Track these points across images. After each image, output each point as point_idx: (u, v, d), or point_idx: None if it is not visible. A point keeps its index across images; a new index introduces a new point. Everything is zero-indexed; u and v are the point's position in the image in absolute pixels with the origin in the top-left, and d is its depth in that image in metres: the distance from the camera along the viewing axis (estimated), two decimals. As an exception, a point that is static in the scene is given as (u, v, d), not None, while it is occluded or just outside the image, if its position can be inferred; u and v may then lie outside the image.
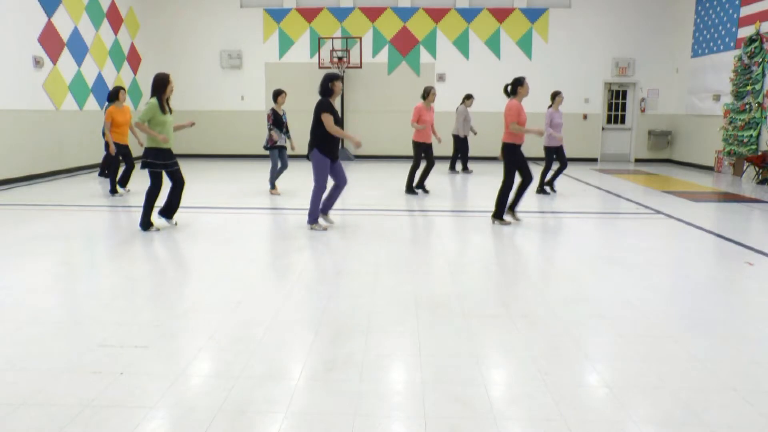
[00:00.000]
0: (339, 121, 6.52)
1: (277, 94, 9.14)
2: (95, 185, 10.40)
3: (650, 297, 4.45)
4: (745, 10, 12.17)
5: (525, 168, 7.06)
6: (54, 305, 4.20)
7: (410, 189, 9.50)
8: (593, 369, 3.18)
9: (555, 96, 9.40)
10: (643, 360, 3.29)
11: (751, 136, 11.65)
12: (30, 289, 4.51)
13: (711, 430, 2.57)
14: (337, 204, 8.78)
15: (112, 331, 3.63)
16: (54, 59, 11.56)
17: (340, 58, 14.86)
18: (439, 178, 11.67)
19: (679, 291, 4.68)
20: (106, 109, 10.27)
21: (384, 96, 15.74)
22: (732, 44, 12.62)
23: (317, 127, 6.44)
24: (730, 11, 12.71)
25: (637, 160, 15.78)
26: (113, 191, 9.11)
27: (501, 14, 15.36)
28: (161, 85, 6.26)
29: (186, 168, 13.16)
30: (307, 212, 6.88)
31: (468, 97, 12.46)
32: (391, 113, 15.60)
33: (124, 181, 9.36)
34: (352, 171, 13.12)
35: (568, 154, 15.65)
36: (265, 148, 9.20)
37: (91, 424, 2.57)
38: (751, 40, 11.75)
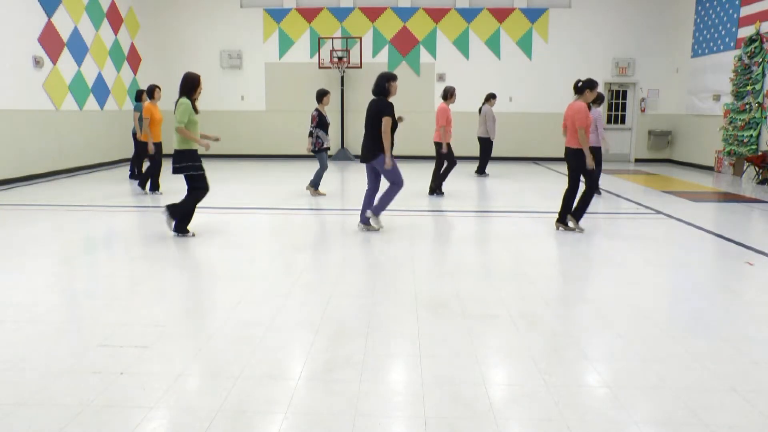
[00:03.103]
0: (395, 126, 6.28)
1: (323, 95, 8.75)
2: (96, 185, 10.41)
3: (650, 297, 4.45)
4: (745, 10, 12.17)
5: (592, 176, 6.55)
6: (54, 305, 4.20)
7: (438, 189, 9.30)
8: (593, 369, 3.18)
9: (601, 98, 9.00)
10: (643, 360, 3.29)
11: (751, 136, 11.65)
12: (30, 289, 4.51)
13: (711, 430, 2.57)
14: (337, 204, 8.78)
15: (112, 331, 3.63)
16: (54, 59, 11.56)
17: (340, 58, 14.86)
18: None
19: (679, 291, 4.67)
20: (137, 109, 10.44)
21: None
22: (732, 44, 12.62)
23: (377, 128, 6.19)
24: (730, 11, 12.71)
25: (637, 160, 15.78)
26: (154, 189, 9.16)
27: (501, 14, 15.36)
28: (192, 85, 6.05)
29: (186, 168, 13.12)
30: (359, 211, 6.83)
31: (492, 96, 11.97)
32: (391, 113, 15.58)
33: (155, 183, 9.29)
34: (353, 171, 13.12)
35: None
36: (313, 152, 8.83)
37: (91, 424, 2.57)
38: (751, 40, 11.75)
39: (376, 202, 6.66)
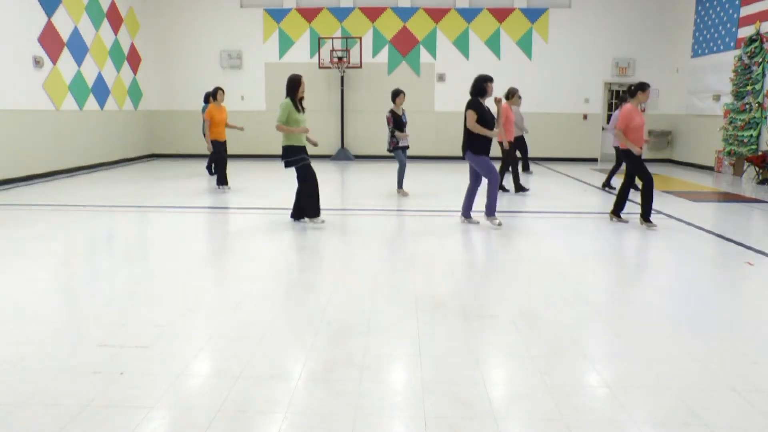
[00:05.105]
0: (489, 121, 6.56)
1: (396, 95, 8.89)
2: (95, 185, 10.41)
3: (650, 297, 4.45)
4: (745, 10, 12.17)
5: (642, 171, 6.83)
6: (54, 305, 4.20)
7: (520, 188, 9.70)
8: (593, 369, 3.18)
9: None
10: (643, 360, 3.29)
11: (751, 136, 11.65)
12: (30, 290, 4.50)
13: (711, 430, 2.57)
14: (337, 204, 8.78)
15: (112, 331, 3.63)
16: (54, 59, 11.55)
17: (340, 58, 14.86)
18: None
19: (679, 291, 4.67)
20: (204, 109, 10.92)
21: (384, 96, 15.66)
22: (732, 44, 12.62)
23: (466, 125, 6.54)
24: (730, 11, 12.70)
25: (637, 160, 15.77)
26: (223, 183, 9.71)
27: (501, 14, 15.36)
28: (295, 85, 6.57)
29: (187, 167, 13.13)
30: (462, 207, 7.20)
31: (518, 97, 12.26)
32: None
33: (222, 178, 9.79)
34: (353, 171, 13.12)
35: (567, 154, 15.79)
36: (390, 151, 9.09)
37: (91, 424, 2.57)
38: (751, 40, 11.74)
39: (485, 203, 6.93)
